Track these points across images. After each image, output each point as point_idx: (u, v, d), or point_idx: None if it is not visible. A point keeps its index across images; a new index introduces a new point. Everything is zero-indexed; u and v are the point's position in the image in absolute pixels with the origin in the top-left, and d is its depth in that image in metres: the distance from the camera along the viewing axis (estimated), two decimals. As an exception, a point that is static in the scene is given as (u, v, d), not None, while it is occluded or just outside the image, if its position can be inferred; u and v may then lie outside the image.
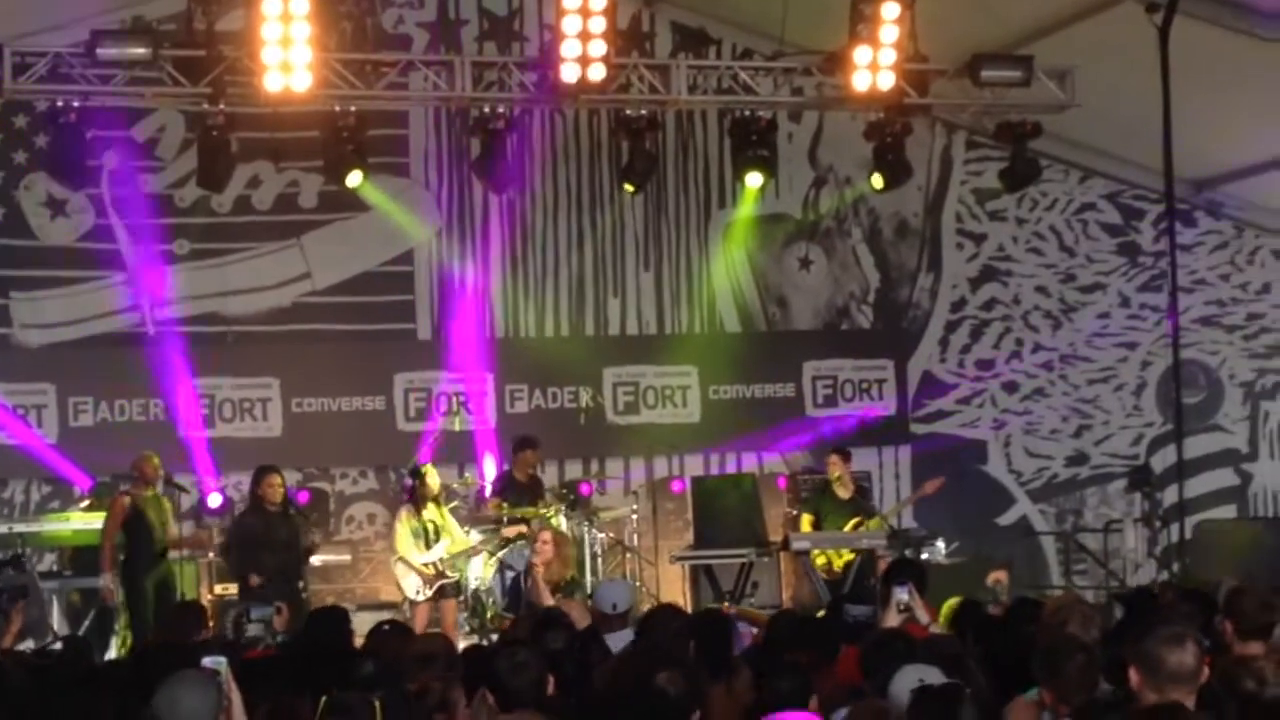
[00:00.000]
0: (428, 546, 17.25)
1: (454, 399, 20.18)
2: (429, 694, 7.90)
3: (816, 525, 18.45)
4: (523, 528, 17.74)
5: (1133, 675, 7.13)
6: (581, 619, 11.40)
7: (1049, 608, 9.76)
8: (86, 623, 17.25)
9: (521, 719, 5.46)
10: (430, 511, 17.38)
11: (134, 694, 7.49)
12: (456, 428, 19.77)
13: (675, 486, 20.58)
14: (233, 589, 17.27)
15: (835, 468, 18.67)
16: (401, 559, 17.28)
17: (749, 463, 20.98)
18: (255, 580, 16.32)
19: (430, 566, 17.21)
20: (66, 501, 19.21)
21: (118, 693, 7.53)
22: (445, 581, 17.25)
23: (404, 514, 17.47)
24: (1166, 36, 16.95)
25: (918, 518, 19.91)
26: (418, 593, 17.20)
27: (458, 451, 19.80)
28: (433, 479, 17.51)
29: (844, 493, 18.64)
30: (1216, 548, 19.07)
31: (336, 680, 7.96)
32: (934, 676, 7.52)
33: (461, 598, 17.58)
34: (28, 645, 11.08)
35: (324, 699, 6.98)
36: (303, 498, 19.25)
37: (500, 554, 17.60)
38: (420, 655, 9.05)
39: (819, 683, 8.19)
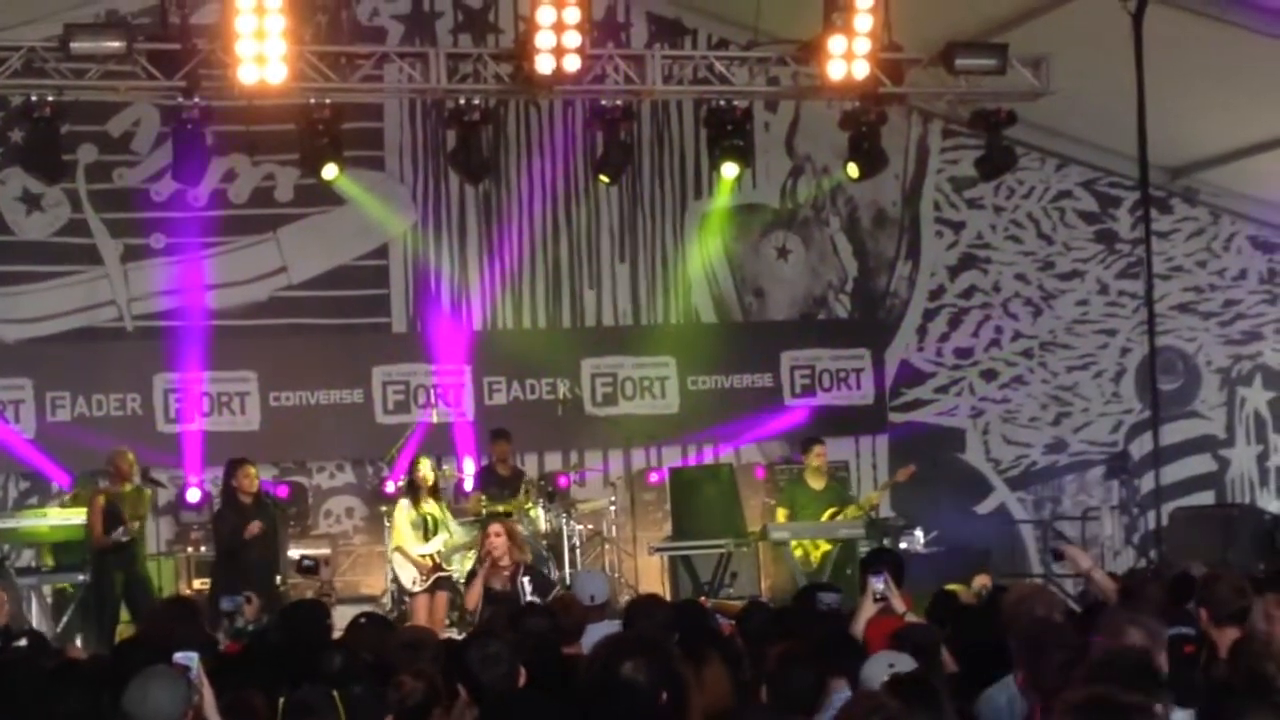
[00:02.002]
0: (426, 539, 17.26)
1: (432, 392, 20.17)
2: (412, 692, 7.87)
3: (792, 517, 18.47)
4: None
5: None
6: None
7: (1010, 597, 9.74)
8: (65, 618, 17.24)
9: None
10: (428, 504, 17.38)
11: (105, 689, 7.47)
12: (434, 420, 19.78)
13: (652, 478, 20.55)
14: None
15: (820, 457, 18.65)
16: (399, 549, 17.29)
17: (727, 453, 20.96)
18: (254, 527, 16.39)
19: (428, 558, 17.19)
20: (45, 497, 19.20)
21: (87, 688, 7.51)
22: (442, 574, 17.24)
23: (403, 505, 17.51)
24: (1140, 23, 16.96)
25: (895, 507, 19.92)
26: (414, 583, 17.20)
27: (436, 444, 19.75)
28: (426, 471, 17.50)
29: (818, 483, 18.64)
30: (1193, 534, 19.14)
31: (309, 674, 7.95)
32: (904, 663, 7.51)
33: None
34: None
35: (282, 700, 6.96)
36: (281, 491, 19.23)
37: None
38: (407, 644, 9.06)
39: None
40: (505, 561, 15.80)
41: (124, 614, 16.93)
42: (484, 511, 18.23)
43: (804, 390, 21.34)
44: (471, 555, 17.59)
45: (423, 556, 17.15)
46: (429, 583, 17.17)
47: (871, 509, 18.81)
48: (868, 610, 10.28)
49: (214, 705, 7.48)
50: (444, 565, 17.27)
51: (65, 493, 18.88)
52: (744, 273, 21.54)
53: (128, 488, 17.15)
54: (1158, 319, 19.71)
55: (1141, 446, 21.09)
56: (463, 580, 17.40)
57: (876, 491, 19.76)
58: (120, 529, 16.67)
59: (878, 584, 10.36)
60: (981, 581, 14.32)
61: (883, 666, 7.46)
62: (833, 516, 18.48)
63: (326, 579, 18.51)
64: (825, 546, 18.32)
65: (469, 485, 19.23)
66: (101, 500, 16.95)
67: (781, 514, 18.65)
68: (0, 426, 19.25)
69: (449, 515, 17.62)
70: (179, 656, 7.51)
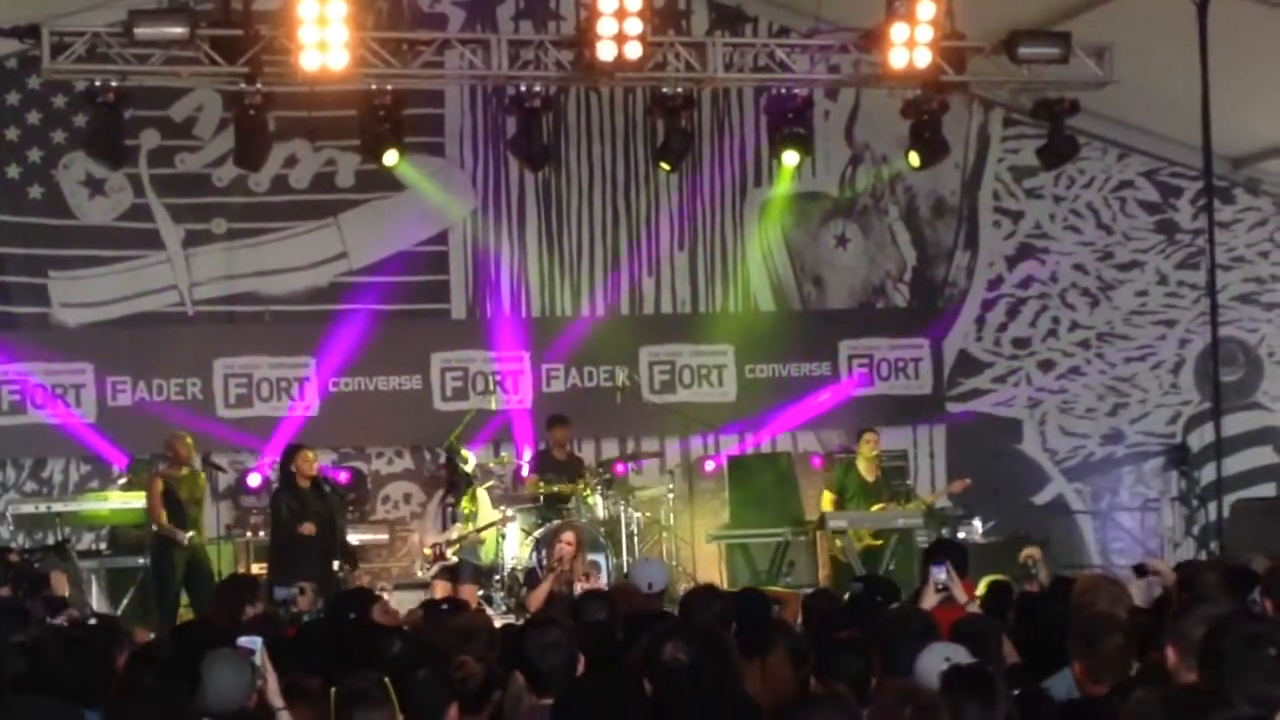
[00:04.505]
0: (444, 528, 17.36)
1: (490, 378, 20.21)
2: (473, 675, 7.90)
3: (840, 504, 18.43)
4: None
5: (1170, 654, 7.08)
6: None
7: (1078, 587, 9.73)
8: (125, 600, 17.35)
9: None
10: (449, 496, 17.48)
11: (179, 671, 7.53)
12: (493, 407, 19.81)
13: (707, 466, 20.51)
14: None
15: (873, 445, 18.64)
16: (421, 539, 17.49)
17: (785, 442, 20.93)
18: (308, 528, 16.43)
19: (436, 548, 17.27)
20: (105, 481, 19.31)
21: (164, 668, 7.56)
22: (446, 564, 17.27)
23: (435, 495, 17.67)
24: (1205, 12, 16.86)
25: (952, 496, 19.87)
26: (420, 570, 17.34)
27: (494, 431, 19.83)
28: (465, 462, 17.59)
29: (870, 475, 18.59)
30: (1254, 526, 19.02)
31: (364, 660, 7.99)
32: (960, 655, 7.48)
33: (482, 581, 17.56)
34: (62, 619, 11.21)
35: (333, 690, 6.99)
36: (344, 477, 19.30)
37: (536, 534, 17.63)
38: (461, 631, 9.08)
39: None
40: (566, 569, 15.80)
41: (183, 597, 17.07)
42: (541, 495, 18.31)
43: (861, 381, 21.29)
44: (527, 542, 17.62)
45: (432, 546, 17.25)
46: (434, 570, 17.26)
47: (920, 510, 18.75)
48: (930, 600, 10.25)
49: (278, 689, 7.53)
50: (448, 555, 17.29)
51: (123, 474, 18.97)
52: (803, 261, 21.51)
53: (185, 471, 17.26)
54: (1218, 310, 19.60)
55: (1201, 438, 20.97)
56: (517, 564, 17.51)
57: (930, 496, 19.65)
58: (188, 534, 16.82)
59: (939, 573, 10.33)
60: (1029, 553, 14.32)
61: (938, 659, 7.42)
62: (881, 510, 18.43)
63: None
64: (869, 540, 18.27)
65: (526, 472, 19.27)
66: (159, 484, 17.05)
67: (828, 498, 18.58)
68: (61, 410, 19.36)
69: (482, 504, 17.66)
70: (243, 640, 7.56)
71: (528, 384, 20.44)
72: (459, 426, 18.83)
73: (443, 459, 18.69)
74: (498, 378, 20.28)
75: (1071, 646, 7.88)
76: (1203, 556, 18.98)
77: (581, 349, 20.57)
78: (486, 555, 17.83)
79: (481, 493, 17.84)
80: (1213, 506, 19.36)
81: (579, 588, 15.33)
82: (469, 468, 17.81)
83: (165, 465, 17.64)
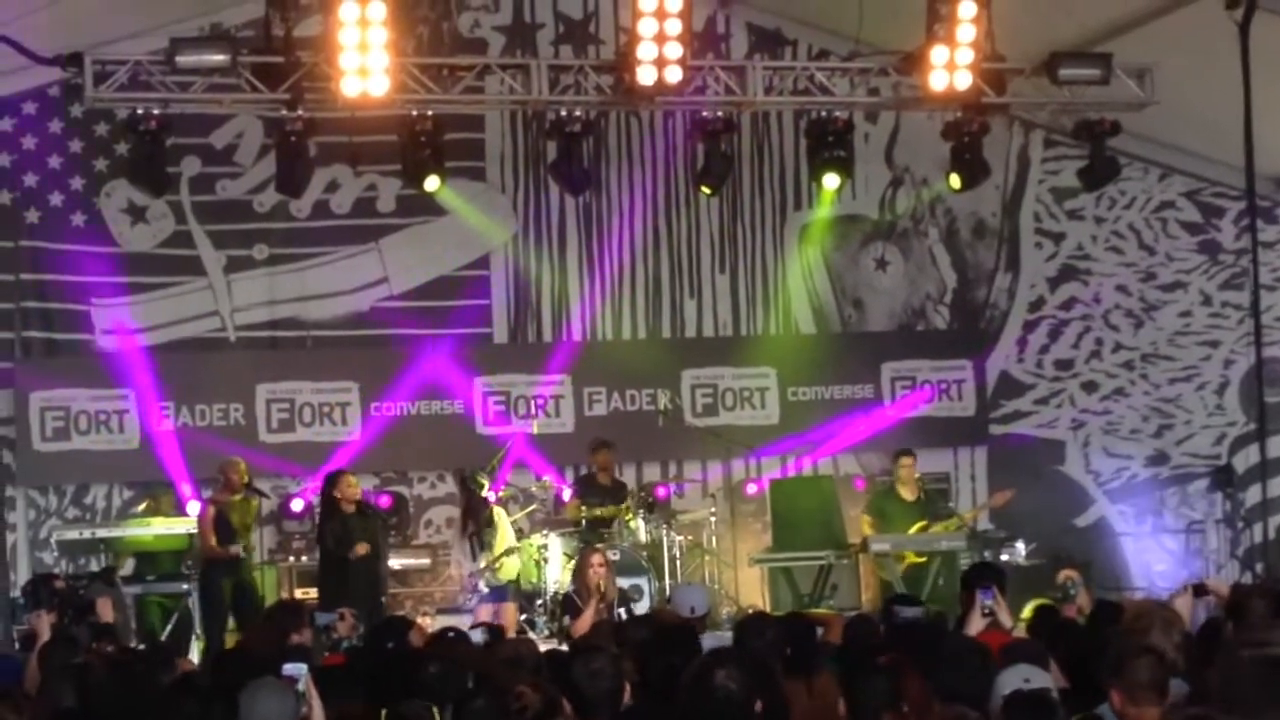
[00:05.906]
0: (474, 556, 17.37)
1: (532, 403, 20.23)
2: (531, 705, 7.89)
3: (879, 528, 18.42)
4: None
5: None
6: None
7: (1129, 614, 9.67)
8: (168, 628, 17.36)
9: None
10: (488, 519, 17.49)
11: (218, 700, 7.54)
12: (534, 431, 19.81)
13: (751, 489, 20.49)
14: (314, 593, 17.37)
15: (906, 469, 18.65)
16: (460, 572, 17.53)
17: (824, 462, 20.91)
18: (362, 548, 16.44)
19: (472, 578, 17.28)
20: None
21: (203, 697, 7.58)
22: (482, 591, 17.32)
23: (455, 527, 17.85)
24: (1247, 32, 16.77)
25: (995, 519, 19.84)
26: (463, 600, 17.37)
27: (534, 455, 19.83)
28: (480, 488, 17.63)
29: (909, 495, 18.61)
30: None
31: (405, 688, 7.98)
32: (1039, 677, 7.44)
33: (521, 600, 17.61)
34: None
35: (384, 711, 7.00)
36: (384, 501, 19.33)
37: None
38: (508, 659, 9.07)
39: (905, 685, 8.13)
40: (611, 594, 15.81)
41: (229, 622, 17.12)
42: (583, 520, 18.31)
43: (924, 397, 21.26)
44: (569, 566, 17.61)
45: (470, 576, 17.27)
46: (475, 600, 17.29)
47: (962, 527, 18.69)
48: (976, 625, 10.21)
49: (323, 716, 7.53)
50: (479, 585, 17.29)
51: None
52: (843, 283, 21.50)
53: (237, 497, 17.33)
54: (1263, 330, 19.50)
55: (1246, 459, 20.86)
56: (559, 589, 17.48)
57: (971, 511, 19.64)
58: (238, 545, 16.90)
59: (986, 599, 10.29)
60: (1067, 574, 14.30)
61: (1017, 679, 7.40)
62: (921, 530, 18.42)
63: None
64: (913, 558, 18.27)
65: (567, 495, 19.26)
66: (211, 512, 17.12)
67: (866, 522, 18.59)
68: (104, 437, 19.43)
69: (504, 527, 17.68)
70: (288, 668, 7.58)
71: (569, 408, 20.45)
72: (501, 452, 18.86)
73: (458, 485, 18.71)
74: (539, 402, 20.29)
75: (1105, 676, 7.82)
76: (1247, 579, 18.89)
77: (623, 372, 20.58)
78: (527, 578, 17.84)
79: (500, 513, 17.85)
80: (1258, 529, 19.28)
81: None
82: (485, 493, 17.82)
83: (217, 490, 17.71)
